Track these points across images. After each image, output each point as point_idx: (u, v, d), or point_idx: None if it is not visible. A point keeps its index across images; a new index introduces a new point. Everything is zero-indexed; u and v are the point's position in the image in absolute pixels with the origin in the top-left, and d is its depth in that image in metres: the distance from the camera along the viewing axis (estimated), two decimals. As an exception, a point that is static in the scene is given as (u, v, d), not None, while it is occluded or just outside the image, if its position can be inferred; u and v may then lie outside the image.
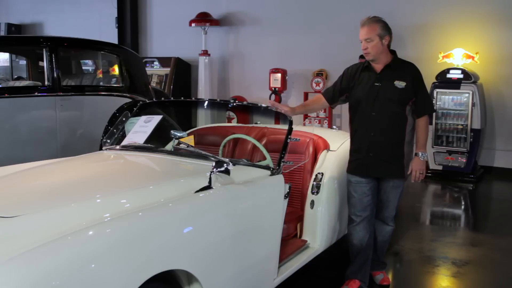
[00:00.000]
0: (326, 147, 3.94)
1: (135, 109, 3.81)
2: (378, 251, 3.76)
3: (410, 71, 3.44)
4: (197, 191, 2.59)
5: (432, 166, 7.65)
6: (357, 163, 3.50)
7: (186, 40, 10.27)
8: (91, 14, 11.48)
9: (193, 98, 8.84)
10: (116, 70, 6.34)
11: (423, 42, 8.14)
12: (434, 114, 7.51)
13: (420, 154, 3.47)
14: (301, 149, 3.88)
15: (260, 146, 3.50)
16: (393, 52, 3.48)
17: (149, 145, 3.33)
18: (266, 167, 3.15)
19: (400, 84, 3.35)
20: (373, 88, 3.40)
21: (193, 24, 9.74)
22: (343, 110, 8.52)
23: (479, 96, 7.28)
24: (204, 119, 6.55)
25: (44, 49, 5.31)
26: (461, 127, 7.44)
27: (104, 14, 11.24)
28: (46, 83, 5.31)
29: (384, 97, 3.36)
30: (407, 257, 4.46)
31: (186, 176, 2.94)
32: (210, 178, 2.64)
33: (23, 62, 7.89)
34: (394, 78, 3.37)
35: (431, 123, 7.56)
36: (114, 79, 6.48)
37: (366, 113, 3.42)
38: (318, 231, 3.59)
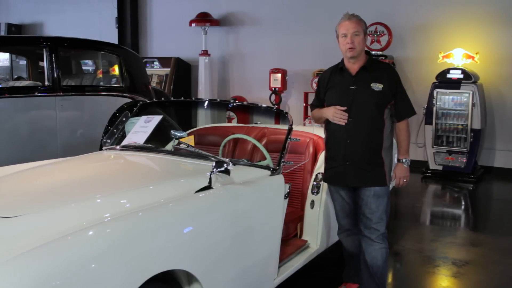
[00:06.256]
0: (326, 147, 3.93)
1: (135, 109, 3.81)
2: (376, 278, 3.30)
3: (387, 73, 3.23)
4: (197, 191, 2.59)
5: (432, 166, 7.65)
6: (333, 171, 3.30)
7: (186, 40, 10.28)
8: (91, 14, 11.48)
9: (193, 98, 8.83)
10: (116, 70, 6.34)
11: (423, 42, 8.13)
12: (434, 114, 7.53)
13: (403, 160, 3.28)
14: (301, 149, 3.87)
15: (260, 146, 3.50)
16: (367, 53, 3.28)
17: (149, 145, 3.33)
18: (266, 167, 3.15)
19: (377, 86, 3.13)
20: (348, 91, 3.17)
21: (193, 24, 9.75)
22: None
23: (479, 96, 7.27)
24: (204, 119, 6.54)
25: (44, 49, 5.30)
26: (461, 127, 7.44)
27: (104, 14, 11.24)
28: (46, 83, 5.30)
29: (360, 101, 3.14)
30: (407, 257, 4.46)
31: (186, 176, 2.94)
32: (210, 178, 2.64)
33: (23, 62, 7.88)
34: (371, 80, 3.15)
35: (431, 123, 7.57)
36: (114, 79, 6.47)
37: None
38: (318, 231, 3.58)
